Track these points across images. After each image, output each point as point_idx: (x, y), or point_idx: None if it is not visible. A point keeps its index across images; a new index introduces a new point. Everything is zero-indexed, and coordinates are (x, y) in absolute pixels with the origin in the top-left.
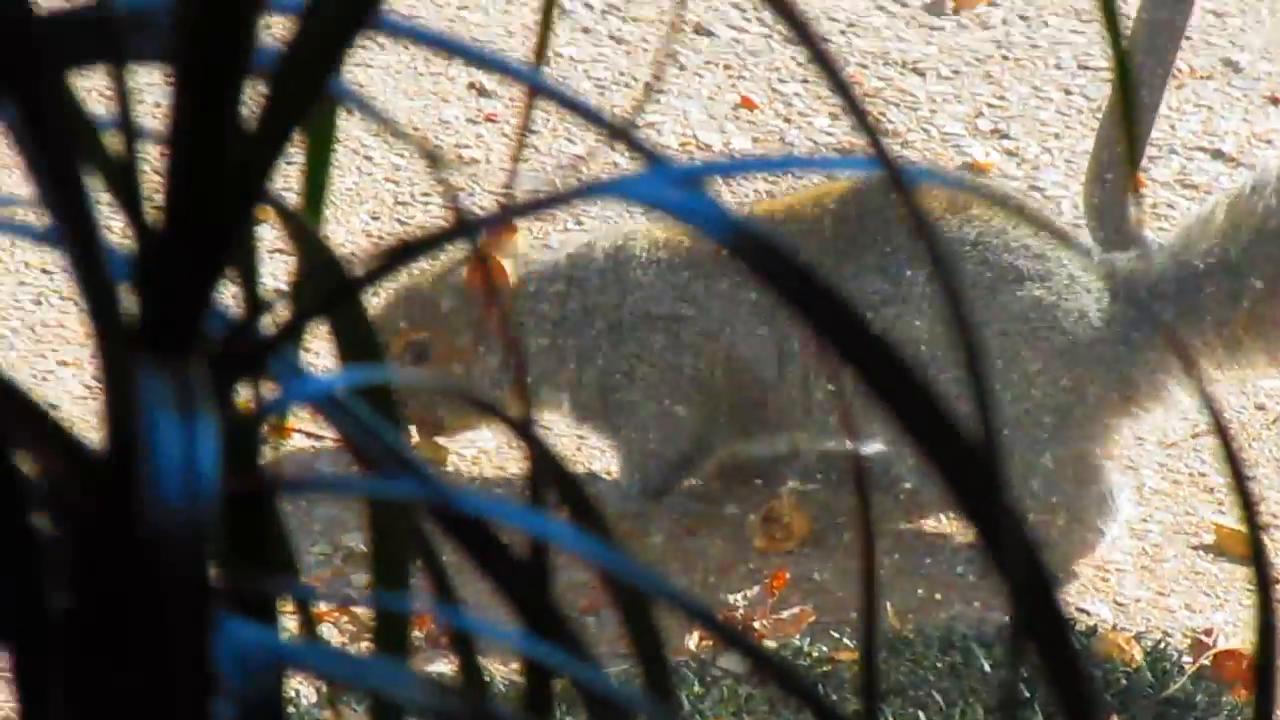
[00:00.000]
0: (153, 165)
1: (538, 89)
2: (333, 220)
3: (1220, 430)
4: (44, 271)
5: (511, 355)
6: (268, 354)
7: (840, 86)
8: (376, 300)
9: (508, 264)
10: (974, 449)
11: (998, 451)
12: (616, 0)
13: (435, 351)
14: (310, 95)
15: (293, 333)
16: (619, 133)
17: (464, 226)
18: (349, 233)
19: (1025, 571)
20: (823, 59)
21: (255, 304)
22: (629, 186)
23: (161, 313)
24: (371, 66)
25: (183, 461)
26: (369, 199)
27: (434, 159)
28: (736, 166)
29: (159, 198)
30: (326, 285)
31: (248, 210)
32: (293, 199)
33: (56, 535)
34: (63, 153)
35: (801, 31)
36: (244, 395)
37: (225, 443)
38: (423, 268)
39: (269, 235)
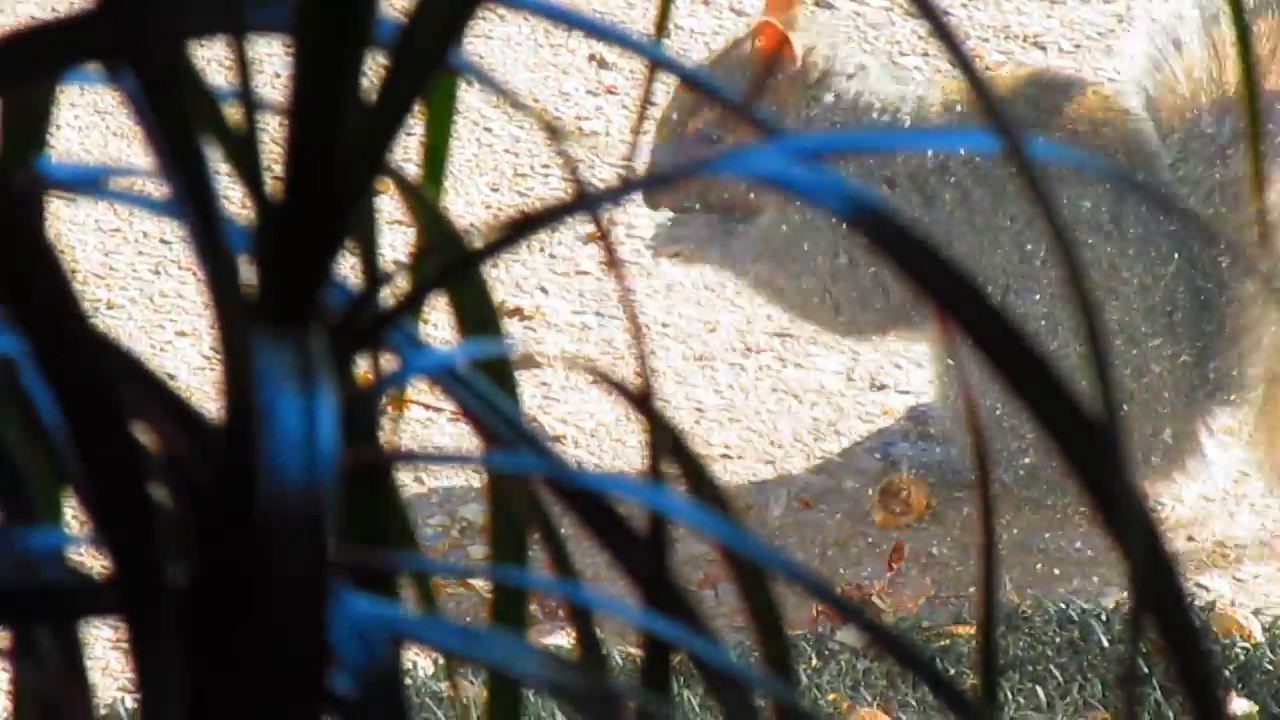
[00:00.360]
0: (273, 136)
1: (657, 61)
2: (452, 191)
3: None
4: (162, 241)
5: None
6: (386, 326)
7: (961, 60)
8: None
9: (793, 36)
10: (1094, 426)
11: (1118, 428)
12: None
13: (729, 133)
14: (430, 68)
15: (412, 305)
16: (738, 107)
17: (584, 199)
18: (468, 204)
19: (1145, 548)
20: (944, 32)
21: (374, 276)
22: (749, 161)
23: (280, 284)
24: (492, 38)
25: (301, 434)
26: (489, 170)
27: (554, 131)
28: (858, 141)
29: (279, 169)
30: (446, 258)
31: (367, 182)
32: (413, 171)
33: (175, 507)
34: (182, 124)
35: (922, 4)
36: (363, 367)
37: (344, 415)
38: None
39: (389, 207)
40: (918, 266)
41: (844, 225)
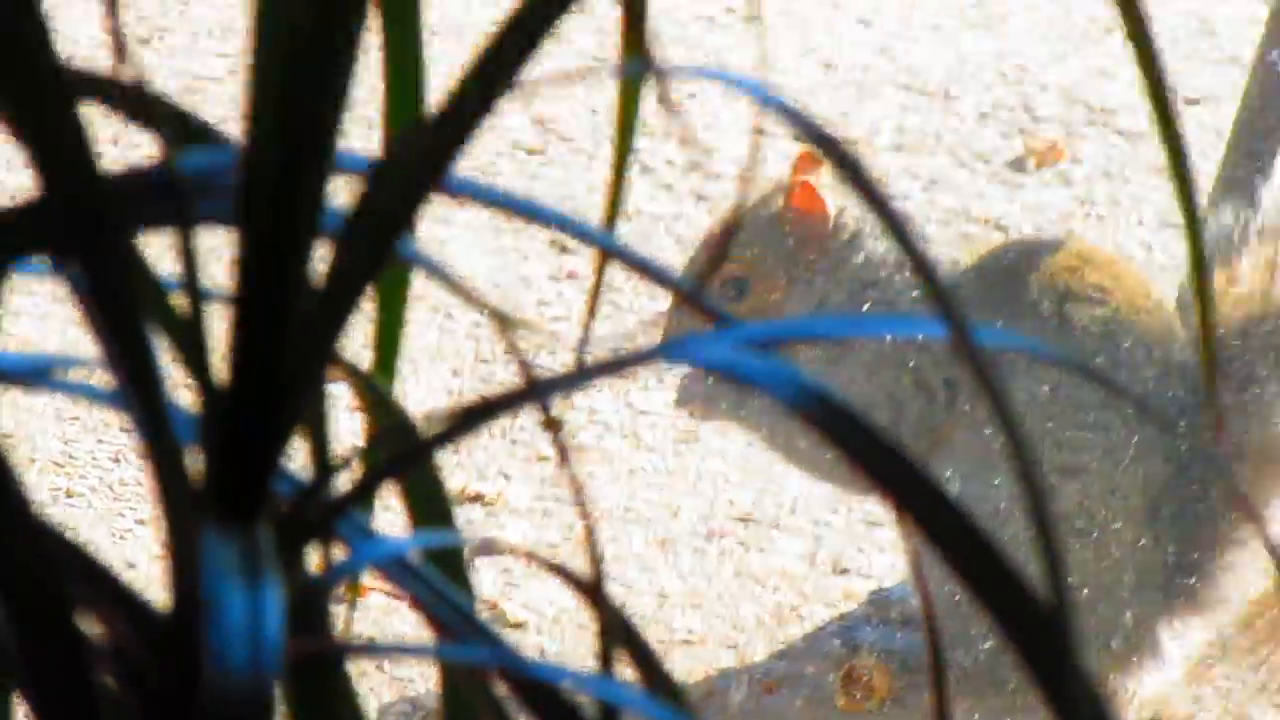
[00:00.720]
0: (221, 326)
1: (608, 249)
2: (412, 378)
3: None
4: (122, 430)
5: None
6: (337, 516)
7: (906, 245)
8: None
9: (825, 195)
10: (1044, 614)
11: (1068, 616)
12: (699, 157)
13: (754, 287)
14: (378, 258)
15: (363, 494)
16: (690, 293)
17: (534, 388)
18: (429, 390)
19: None
20: (892, 220)
21: (325, 465)
22: (701, 348)
23: (229, 475)
24: (452, 223)
25: (247, 627)
26: (449, 356)
27: (503, 319)
28: (810, 328)
29: (227, 359)
30: (397, 447)
31: (315, 371)
32: (369, 357)
33: (122, 697)
34: (128, 315)
35: (869, 193)
36: (314, 557)
37: (294, 606)
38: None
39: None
40: (869, 456)
41: (795, 411)
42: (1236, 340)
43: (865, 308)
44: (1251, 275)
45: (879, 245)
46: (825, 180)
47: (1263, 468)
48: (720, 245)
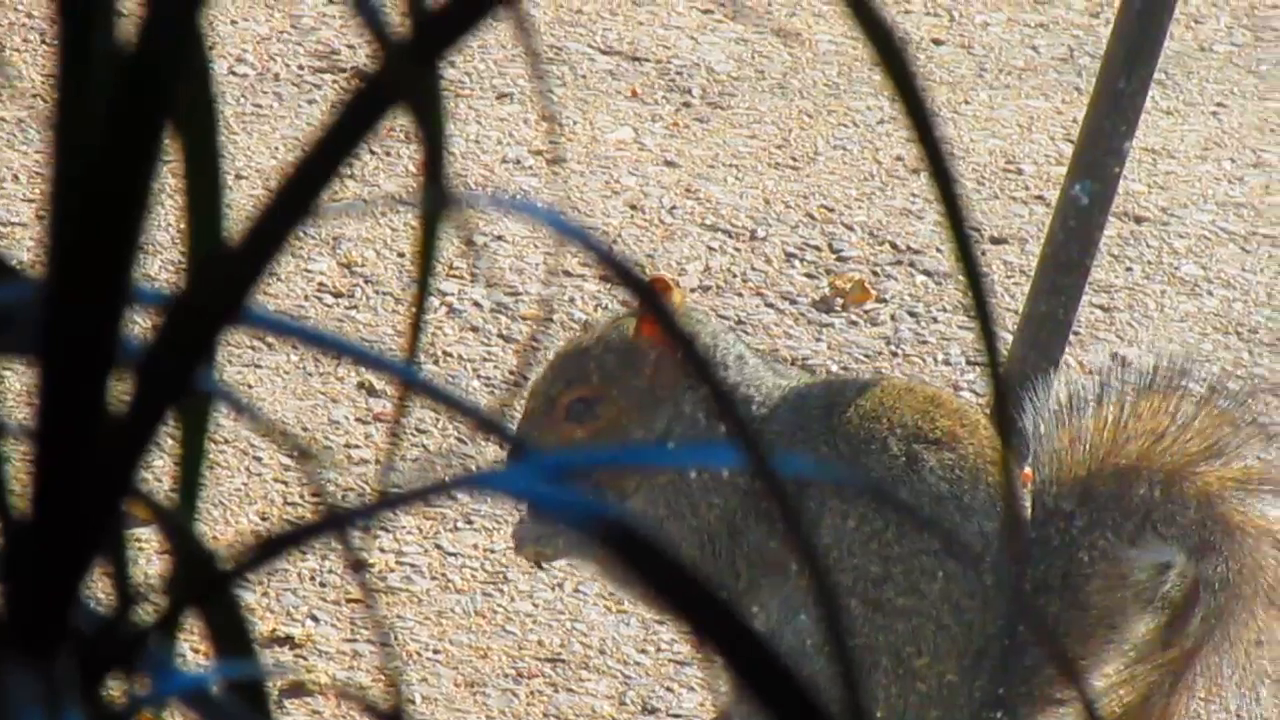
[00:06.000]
0: (20, 459)
1: (411, 383)
2: (222, 521)
3: None
4: None
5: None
6: (139, 648)
7: (706, 377)
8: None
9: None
10: None
11: None
12: (505, 300)
13: (602, 410)
14: (178, 387)
15: (165, 626)
16: (490, 425)
17: (332, 520)
18: (238, 533)
19: None
20: (694, 359)
21: (126, 597)
22: (500, 480)
23: (28, 608)
24: (261, 367)
25: None
26: (258, 499)
27: (304, 453)
28: (610, 457)
29: (26, 491)
30: (198, 577)
31: (115, 502)
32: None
33: None
34: None
35: (675, 335)
36: (117, 689)
37: None
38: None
39: (153, 538)
40: (664, 583)
41: (603, 545)
42: (1078, 497)
43: (710, 437)
44: (1094, 434)
45: (728, 375)
46: (674, 309)
47: (1097, 627)
48: (520, 373)
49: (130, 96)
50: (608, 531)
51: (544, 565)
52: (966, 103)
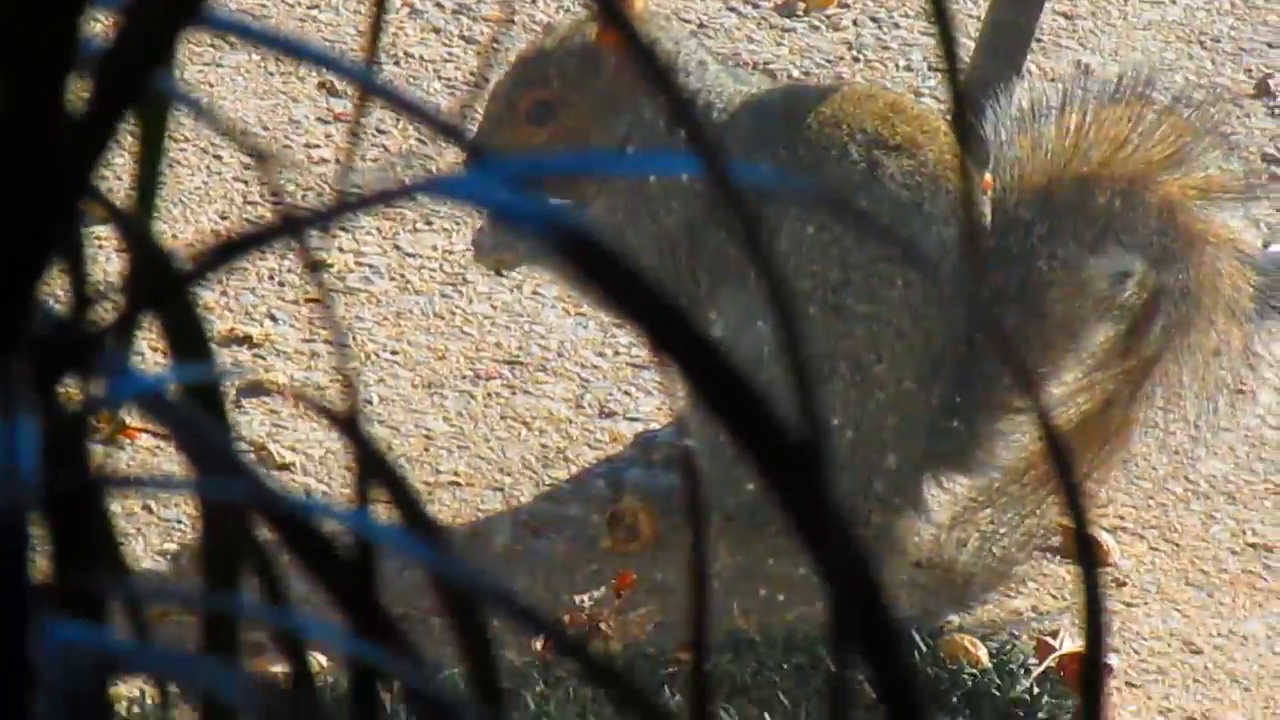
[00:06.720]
0: None
1: (370, 88)
2: (181, 219)
3: (1049, 435)
4: None
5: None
6: (95, 349)
7: (671, 94)
8: (499, 69)
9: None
10: (797, 450)
11: (820, 454)
12: (467, 1)
13: (559, 114)
14: (134, 88)
15: (122, 329)
16: (449, 130)
17: (289, 223)
18: (198, 231)
19: (851, 575)
20: (647, 61)
21: (82, 299)
22: (456, 185)
23: None
24: (222, 66)
25: (2, 457)
26: (218, 198)
27: (260, 155)
28: (567, 164)
29: None
30: (155, 280)
31: (72, 205)
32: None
33: None
34: None
35: (631, 39)
36: (73, 391)
37: (51, 438)
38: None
39: (111, 237)
40: (621, 290)
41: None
42: (1039, 205)
43: (670, 144)
44: (1055, 141)
45: (689, 82)
46: (637, 15)
47: (1056, 336)
48: (480, 75)
49: None
50: (566, 239)
51: (504, 273)
52: None
